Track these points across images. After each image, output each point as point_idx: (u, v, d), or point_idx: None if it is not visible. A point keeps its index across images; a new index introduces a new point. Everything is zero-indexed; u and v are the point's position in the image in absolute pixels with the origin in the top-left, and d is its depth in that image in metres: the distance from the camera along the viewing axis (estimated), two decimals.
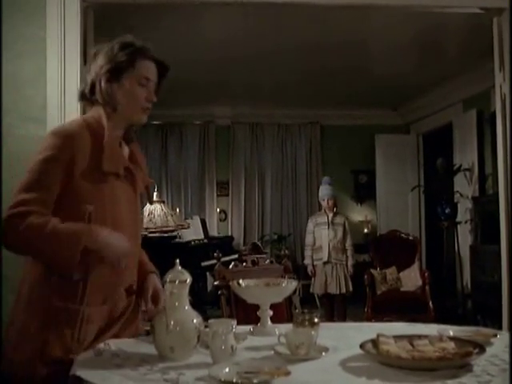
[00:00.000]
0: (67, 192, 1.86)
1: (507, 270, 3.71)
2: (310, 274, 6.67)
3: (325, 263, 6.55)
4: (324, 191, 6.77)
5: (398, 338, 1.77)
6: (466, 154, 7.49)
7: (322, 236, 6.62)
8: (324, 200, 6.71)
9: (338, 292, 6.48)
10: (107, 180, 1.94)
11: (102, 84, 1.99)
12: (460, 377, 1.48)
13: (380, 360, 1.62)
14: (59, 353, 1.80)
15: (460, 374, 1.50)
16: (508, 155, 3.70)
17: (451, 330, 1.97)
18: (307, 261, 6.71)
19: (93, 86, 2.02)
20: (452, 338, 1.76)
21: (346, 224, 6.73)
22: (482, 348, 1.65)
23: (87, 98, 2.05)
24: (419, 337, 1.79)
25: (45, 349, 1.79)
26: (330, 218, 6.65)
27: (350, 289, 6.54)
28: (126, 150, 2.11)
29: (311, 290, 6.74)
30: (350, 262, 6.57)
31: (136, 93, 2.02)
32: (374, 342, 1.72)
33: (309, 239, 6.75)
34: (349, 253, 6.60)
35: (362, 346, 1.70)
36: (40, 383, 1.78)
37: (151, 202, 2.13)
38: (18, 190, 1.84)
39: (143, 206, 4.25)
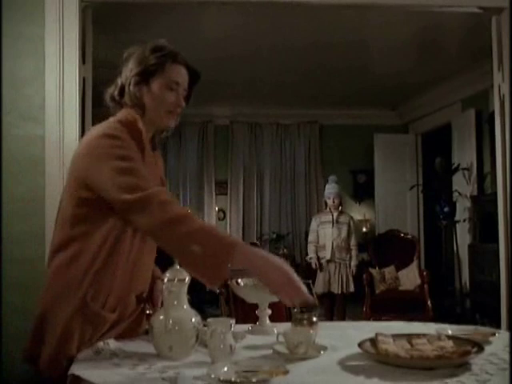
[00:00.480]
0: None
1: (505, 269, 3.72)
2: (314, 267, 6.65)
3: (328, 262, 6.54)
4: (330, 189, 6.77)
5: (396, 336, 1.77)
6: (464, 154, 7.50)
7: (325, 234, 6.61)
8: (330, 198, 6.71)
9: (340, 292, 6.47)
10: None
11: (131, 87, 1.98)
12: (459, 376, 1.48)
13: (379, 359, 1.62)
14: (74, 351, 1.78)
15: (459, 373, 1.50)
16: (508, 154, 3.70)
17: (450, 329, 1.97)
18: (311, 255, 6.72)
19: (122, 88, 2.01)
20: (450, 337, 1.76)
21: (351, 223, 6.72)
22: (480, 347, 1.65)
23: (116, 100, 2.03)
24: (418, 336, 1.79)
25: (67, 344, 1.77)
26: (334, 217, 6.63)
27: (352, 289, 6.53)
28: None
29: (314, 289, 6.63)
30: (353, 262, 6.55)
31: (164, 96, 2.00)
32: (373, 341, 1.72)
33: (312, 236, 6.74)
34: (353, 252, 6.59)
35: (360, 345, 1.70)
36: (58, 381, 1.75)
37: None
38: (119, 191, 1.76)
39: None
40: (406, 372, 1.53)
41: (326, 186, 6.91)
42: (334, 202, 6.68)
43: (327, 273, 6.54)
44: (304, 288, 1.67)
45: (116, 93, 2.02)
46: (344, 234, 6.58)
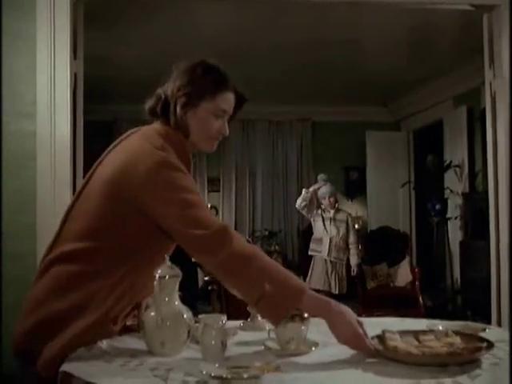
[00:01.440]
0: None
1: (496, 266, 3.74)
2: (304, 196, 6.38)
3: (324, 260, 6.33)
4: (324, 189, 6.50)
5: (403, 333, 1.76)
6: (456, 151, 7.52)
7: (322, 229, 6.38)
8: (325, 198, 6.46)
9: (336, 292, 6.26)
10: None
11: (178, 108, 1.90)
12: (449, 371, 1.49)
13: (388, 356, 1.60)
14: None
15: (449, 369, 1.50)
16: (507, 151, 3.69)
17: (440, 325, 1.98)
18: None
19: (166, 104, 1.92)
20: (457, 333, 1.75)
21: (349, 220, 6.49)
22: (490, 343, 1.64)
23: (157, 114, 1.95)
24: (424, 332, 1.79)
25: (71, 351, 1.73)
26: (331, 215, 6.41)
27: (344, 290, 6.36)
28: None
29: (309, 285, 6.35)
30: (354, 261, 6.35)
31: (210, 123, 1.94)
32: (380, 338, 1.71)
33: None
34: (352, 251, 6.36)
35: None
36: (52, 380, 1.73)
37: None
38: (185, 225, 1.73)
39: None
40: (397, 366, 1.53)
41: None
42: (329, 201, 6.43)
43: (324, 271, 6.32)
44: (366, 340, 1.66)
45: (159, 108, 1.93)
46: (342, 231, 6.33)
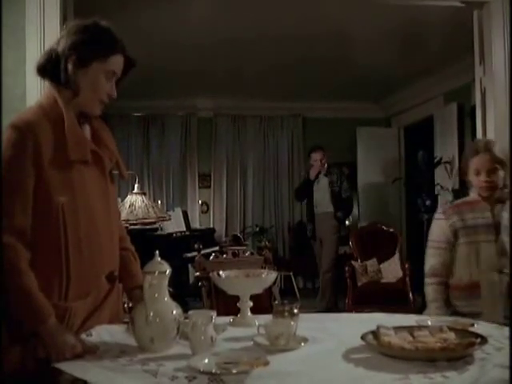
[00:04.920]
0: (38, 184, 1.80)
1: None
2: None
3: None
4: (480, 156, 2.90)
5: (397, 329, 1.76)
6: (446, 147, 7.55)
7: (479, 255, 2.88)
8: (479, 173, 2.89)
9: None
10: (75, 168, 1.87)
11: (69, 66, 1.89)
12: (437, 366, 1.50)
13: (382, 351, 1.61)
14: (41, 353, 1.73)
15: (438, 364, 1.51)
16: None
17: (429, 321, 1.99)
18: (431, 310, 2.95)
19: (57, 62, 1.91)
20: (452, 329, 1.76)
21: None
22: (483, 338, 1.65)
23: (47, 72, 1.95)
24: (419, 328, 1.79)
25: (36, 346, 1.73)
26: (496, 215, 2.89)
27: None
28: (87, 129, 2.01)
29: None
30: None
31: (101, 84, 1.94)
32: (375, 334, 1.72)
33: (434, 260, 3.07)
34: None
35: (363, 338, 1.70)
36: (30, 381, 1.73)
37: (123, 177, 2.08)
38: None
39: (124, 197, 4.24)
40: (387, 361, 1.54)
41: (470, 150, 3.02)
42: (489, 179, 2.87)
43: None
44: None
45: (50, 66, 1.92)
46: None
